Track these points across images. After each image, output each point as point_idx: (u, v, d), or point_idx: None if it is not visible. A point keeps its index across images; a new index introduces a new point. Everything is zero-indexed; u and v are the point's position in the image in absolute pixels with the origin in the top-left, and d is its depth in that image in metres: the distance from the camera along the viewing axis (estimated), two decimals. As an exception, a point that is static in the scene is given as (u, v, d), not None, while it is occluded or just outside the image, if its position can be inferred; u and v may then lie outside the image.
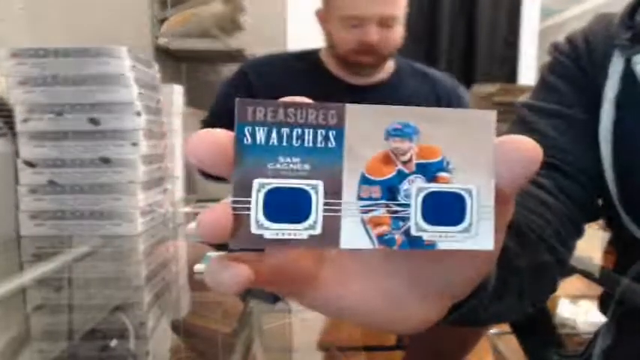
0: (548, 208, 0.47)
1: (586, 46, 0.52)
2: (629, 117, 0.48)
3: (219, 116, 1.22)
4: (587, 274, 0.59)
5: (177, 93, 1.06)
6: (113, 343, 0.47)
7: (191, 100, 1.34)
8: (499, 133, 0.20)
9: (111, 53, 0.76)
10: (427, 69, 1.33)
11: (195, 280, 0.71)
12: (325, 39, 1.22)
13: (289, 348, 1.80)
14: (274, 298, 1.03)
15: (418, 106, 0.20)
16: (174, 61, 2.13)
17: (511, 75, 2.28)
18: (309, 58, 1.30)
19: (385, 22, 1.13)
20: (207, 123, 1.11)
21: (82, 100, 0.76)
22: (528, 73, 2.32)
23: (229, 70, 1.52)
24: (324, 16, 1.20)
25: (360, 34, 1.13)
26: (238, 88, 1.27)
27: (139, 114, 0.77)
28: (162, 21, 1.94)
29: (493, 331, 1.17)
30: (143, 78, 0.82)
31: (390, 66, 1.26)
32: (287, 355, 1.80)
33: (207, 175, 1.20)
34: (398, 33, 1.17)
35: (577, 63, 0.52)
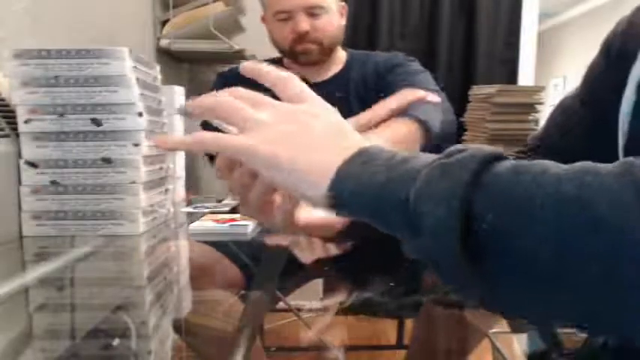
0: None
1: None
2: None
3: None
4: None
5: (178, 94, 1.06)
6: (115, 342, 0.47)
7: (192, 100, 1.34)
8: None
9: (113, 54, 0.76)
10: (376, 52, 1.41)
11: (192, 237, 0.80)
12: (270, 40, 1.30)
13: (289, 348, 1.80)
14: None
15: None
16: (176, 62, 2.13)
17: (511, 76, 2.27)
18: (272, 63, 1.33)
19: (311, 12, 1.22)
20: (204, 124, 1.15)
21: (84, 101, 0.76)
22: (528, 74, 2.32)
23: (230, 70, 1.52)
24: (264, 19, 1.30)
25: (292, 25, 1.22)
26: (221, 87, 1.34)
27: (140, 114, 0.77)
28: (163, 22, 1.95)
29: (493, 330, 1.17)
30: (145, 79, 0.82)
31: (341, 60, 1.35)
32: (287, 355, 1.80)
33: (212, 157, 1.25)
34: (329, 21, 1.25)
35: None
